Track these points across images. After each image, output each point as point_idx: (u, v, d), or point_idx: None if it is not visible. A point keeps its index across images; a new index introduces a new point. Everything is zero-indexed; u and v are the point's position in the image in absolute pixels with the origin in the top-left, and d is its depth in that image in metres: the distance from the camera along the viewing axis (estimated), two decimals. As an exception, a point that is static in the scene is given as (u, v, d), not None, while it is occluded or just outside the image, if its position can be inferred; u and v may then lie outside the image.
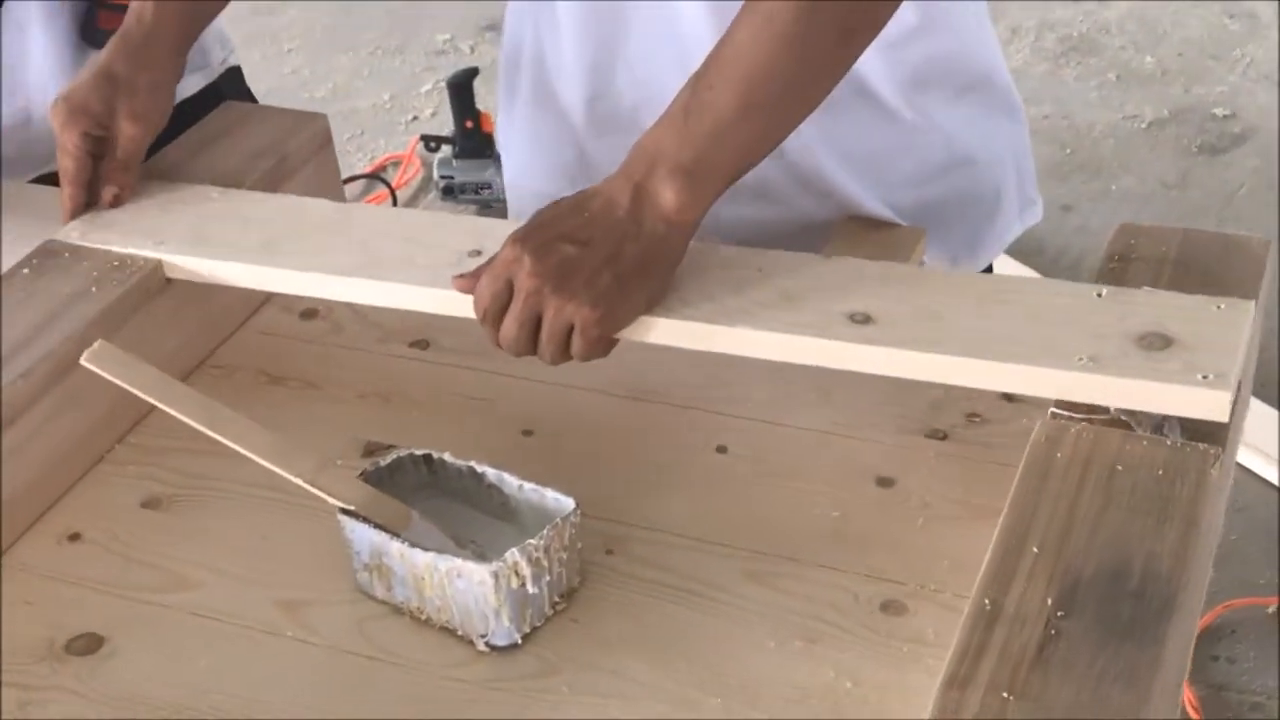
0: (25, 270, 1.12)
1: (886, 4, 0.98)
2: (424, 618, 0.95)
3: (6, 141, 1.41)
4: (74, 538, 1.04)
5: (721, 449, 1.07)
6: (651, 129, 0.98)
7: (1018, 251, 2.68)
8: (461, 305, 1.02)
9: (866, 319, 0.97)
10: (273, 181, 1.24)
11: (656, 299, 0.99)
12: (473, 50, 3.65)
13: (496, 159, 3.01)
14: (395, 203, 3.08)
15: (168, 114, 1.21)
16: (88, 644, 0.95)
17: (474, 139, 3.01)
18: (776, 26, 0.95)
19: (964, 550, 0.96)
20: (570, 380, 1.12)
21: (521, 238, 0.98)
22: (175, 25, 1.21)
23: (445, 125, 3.14)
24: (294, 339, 1.20)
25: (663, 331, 0.99)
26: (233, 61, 1.56)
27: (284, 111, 1.31)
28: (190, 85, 1.44)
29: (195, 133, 1.28)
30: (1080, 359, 0.92)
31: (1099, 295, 0.97)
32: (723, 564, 0.98)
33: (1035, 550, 0.84)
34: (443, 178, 3.04)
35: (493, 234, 1.08)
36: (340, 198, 1.32)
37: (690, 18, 1.17)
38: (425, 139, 3.18)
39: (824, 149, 1.22)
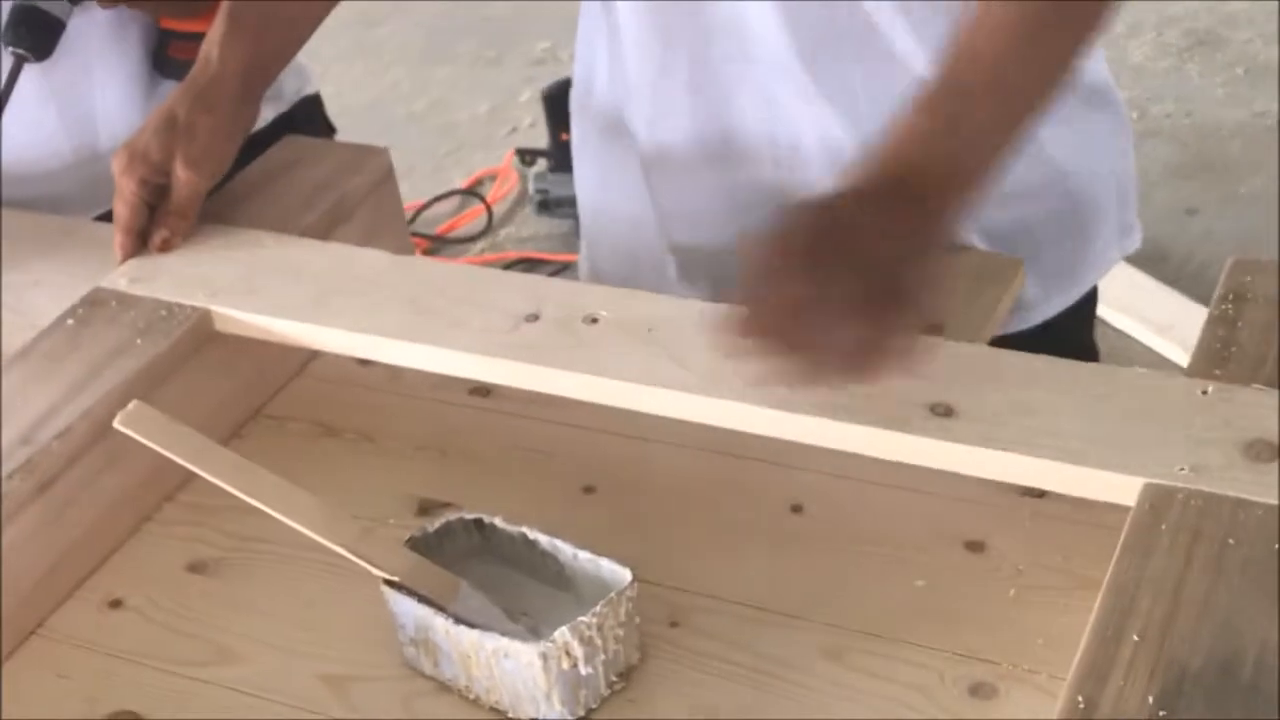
0: (70, 321, 1.08)
1: None
2: (473, 697, 0.89)
3: (72, 176, 1.38)
4: (115, 604, 0.99)
5: (797, 508, 1.00)
6: (901, 135, 0.90)
7: (1139, 259, 2.55)
8: (512, 375, 0.96)
9: (949, 411, 0.89)
10: (332, 220, 1.19)
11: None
12: (572, 58, 3.59)
13: (593, 172, 2.95)
14: (490, 219, 3.04)
15: (228, 160, 1.16)
16: (124, 722, 0.91)
17: (569, 152, 2.95)
18: (1023, 26, 0.89)
19: (1062, 625, 0.88)
20: (638, 432, 1.05)
21: (807, 251, 0.85)
22: (242, 69, 1.16)
23: (544, 137, 3.09)
24: (351, 385, 1.15)
25: (726, 415, 0.93)
26: (308, 91, 1.52)
27: (344, 146, 1.26)
28: (262, 116, 1.40)
29: (253, 169, 1.23)
30: (1181, 469, 0.83)
31: (1204, 393, 0.89)
32: (796, 639, 0.90)
33: (1136, 639, 0.76)
34: (538, 191, 2.98)
35: (551, 296, 1.02)
36: (403, 233, 1.26)
37: (762, 37, 1.10)
38: (520, 153, 3.13)
39: None
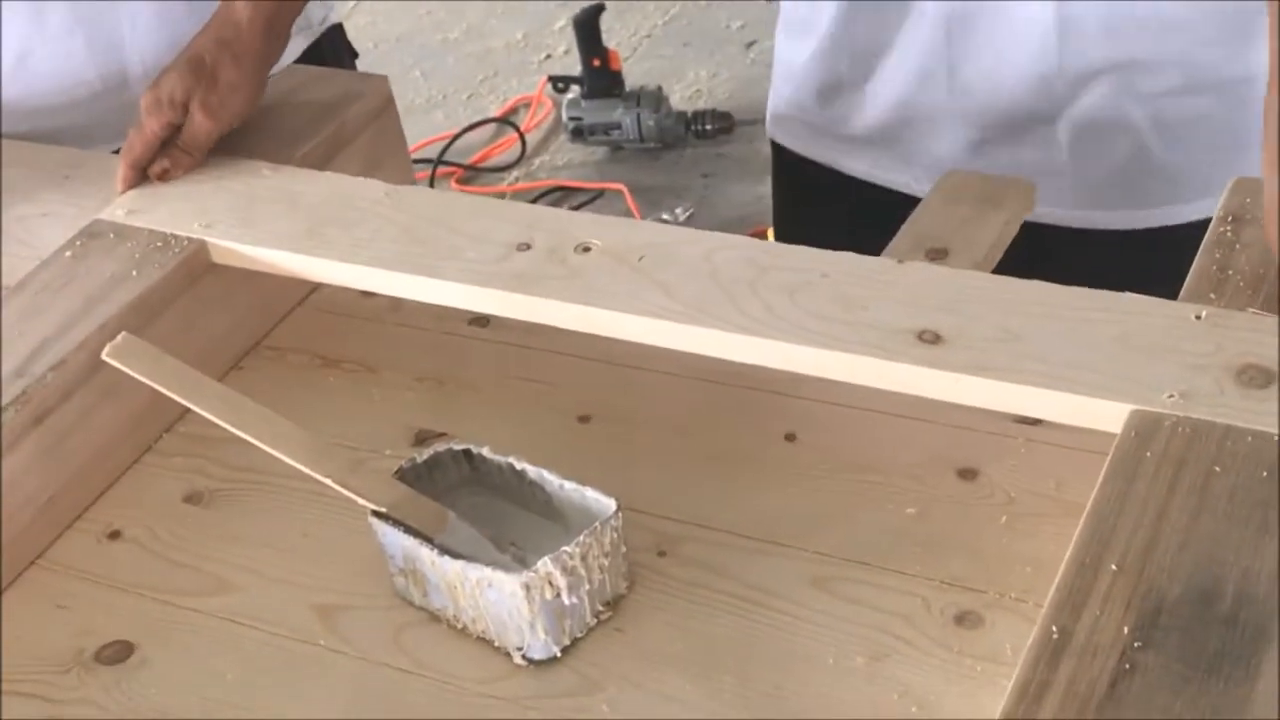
0: (68, 253, 1.09)
1: None
2: (460, 626, 0.89)
3: (100, 106, 1.37)
4: (114, 535, 1.00)
5: (790, 437, 0.99)
6: None
7: None
8: (502, 304, 0.96)
9: (936, 338, 0.88)
10: (331, 148, 1.18)
11: None
12: (606, -21, 3.56)
13: (625, 97, 2.93)
14: (524, 147, 3.02)
15: (252, 105, 1.16)
16: (117, 652, 0.91)
17: (602, 78, 2.93)
18: None
19: (1050, 553, 0.87)
20: (636, 361, 1.04)
21: None
22: (268, 10, 1.15)
23: (578, 64, 3.07)
24: (352, 317, 1.15)
25: (708, 343, 0.92)
26: (334, 19, 1.50)
27: (345, 74, 1.25)
28: (294, 48, 1.38)
29: (253, 99, 1.23)
30: (1170, 395, 0.82)
31: (1197, 318, 0.87)
32: (785, 568, 0.90)
33: (1114, 568, 0.74)
34: (571, 119, 2.97)
35: (542, 224, 1.01)
36: (404, 162, 1.26)
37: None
38: (553, 80, 3.11)
39: None
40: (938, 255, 1.12)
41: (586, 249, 1.00)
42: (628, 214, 2.83)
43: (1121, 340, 0.86)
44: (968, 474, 0.94)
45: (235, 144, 1.17)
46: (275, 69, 1.19)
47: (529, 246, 1.01)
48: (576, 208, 2.87)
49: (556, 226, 1.03)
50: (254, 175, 1.13)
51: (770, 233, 2.68)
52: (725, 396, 1.02)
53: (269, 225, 1.07)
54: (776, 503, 0.94)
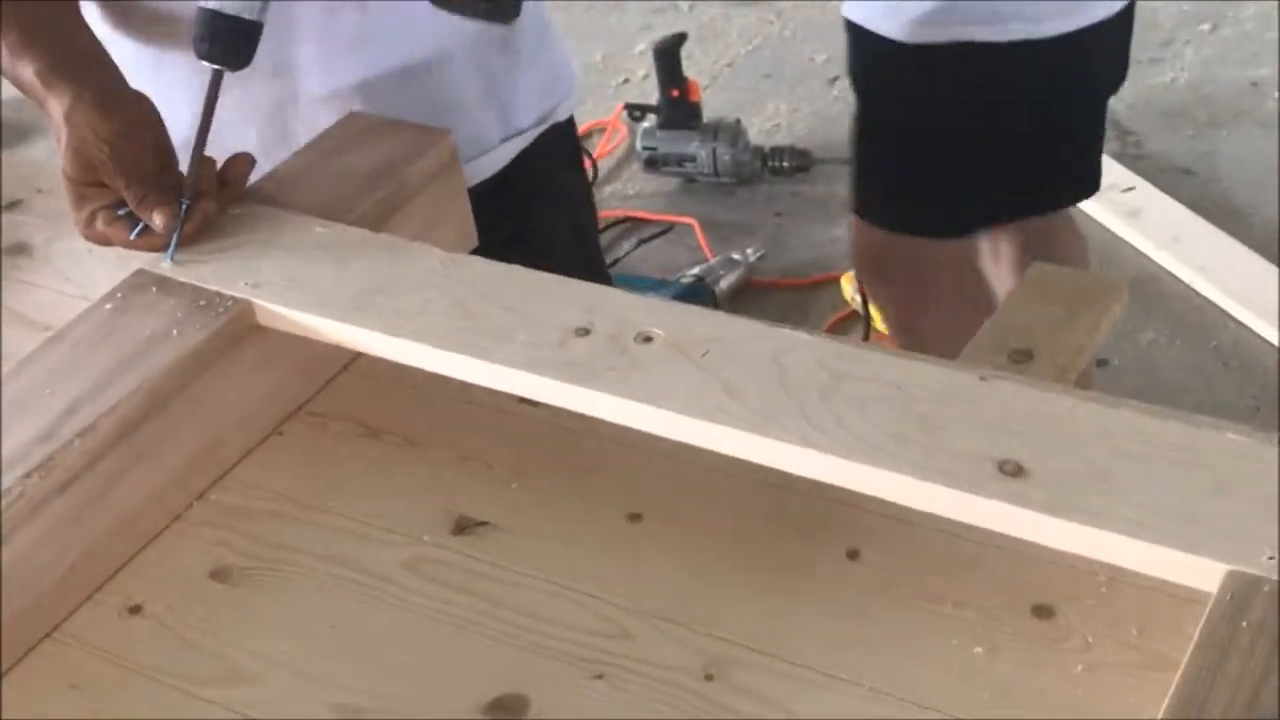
0: (108, 305, 1.04)
1: None
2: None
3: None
4: (134, 610, 0.95)
5: (853, 554, 0.93)
6: None
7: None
8: (555, 394, 0.91)
9: (1018, 470, 0.81)
10: (387, 208, 1.13)
11: None
12: (691, 9, 3.51)
13: (702, 130, 2.87)
14: (596, 173, 2.97)
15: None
16: (126, 744, 0.87)
17: (680, 109, 2.87)
18: None
19: (1130, 708, 0.81)
20: (693, 457, 0.98)
21: None
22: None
23: (656, 90, 3.01)
24: (397, 383, 1.09)
25: (774, 454, 0.86)
26: None
27: (407, 126, 1.19)
28: None
29: (310, 148, 1.18)
30: (1269, 556, 0.75)
31: None
32: (840, 705, 0.84)
33: (1204, 758, 0.68)
34: (645, 148, 2.91)
35: (603, 307, 0.95)
36: (465, 223, 1.20)
37: None
38: (629, 108, 3.06)
39: None
40: (1021, 357, 1.06)
41: (648, 339, 0.95)
42: (697, 250, 2.77)
43: (1220, 488, 0.79)
44: (1043, 612, 0.87)
45: (286, 197, 1.12)
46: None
47: (587, 332, 0.96)
48: (646, 240, 2.81)
49: (618, 311, 0.97)
50: (306, 232, 1.08)
51: (844, 279, 2.62)
52: (785, 503, 0.96)
53: (317, 289, 1.02)
54: (834, 628, 0.88)
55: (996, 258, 1.80)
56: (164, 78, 1.22)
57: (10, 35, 1.12)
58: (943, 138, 1.67)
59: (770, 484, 0.97)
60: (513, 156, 1.36)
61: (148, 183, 1.06)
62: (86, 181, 1.07)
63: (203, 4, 1.04)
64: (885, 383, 0.88)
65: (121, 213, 1.08)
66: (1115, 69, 1.73)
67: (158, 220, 1.06)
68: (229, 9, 1.05)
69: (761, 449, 0.87)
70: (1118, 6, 1.61)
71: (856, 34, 1.65)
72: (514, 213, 1.35)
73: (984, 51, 1.59)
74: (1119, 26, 1.65)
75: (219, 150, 1.10)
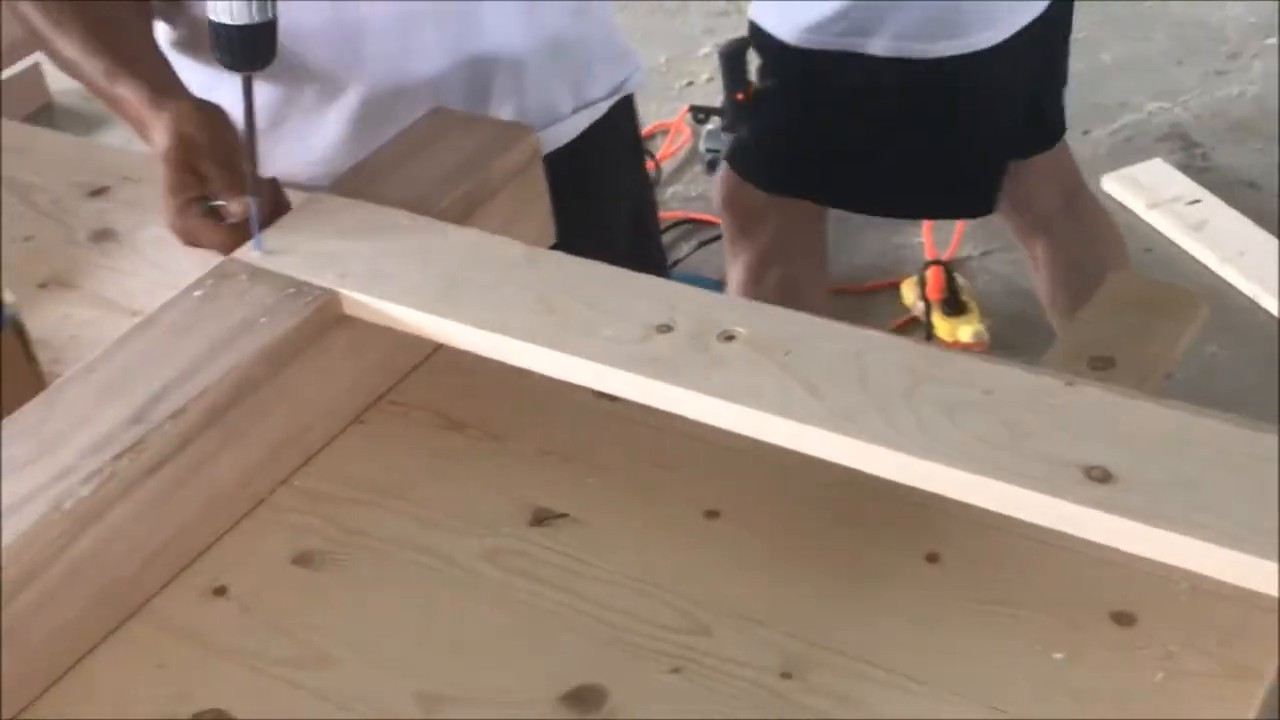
0: (198, 292, 1.06)
1: None
2: (569, 735, 0.84)
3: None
4: (219, 591, 0.97)
5: (932, 557, 0.93)
6: None
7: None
8: (637, 389, 0.91)
9: (1106, 476, 0.81)
10: (472, 202, 1.14)
11: None
12: (756, 12, 3.51)
13: (766, 134, 2.87)
14: (659, 175, 2.97)
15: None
16: (211, 722, 0.88)
17: (744, 112, 2.87)
18: None
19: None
20: (772, 455, 0.98)
21: None
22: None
23: (721, 93, 3.01)
24: (478, 375, 1.10)
25: (856, 455, 0.87)
26: None
27: (492, 123, 1.21)
28: None
29: (396, 142, 1.19)
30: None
31: None
32: (920, 708, 0.84)
33: (1293, 767, 0.68)
34: (709, 151, 2.92)
35: (685, 304, 0.96)
36: (545, 218, 1.21)
37: None
38: (694, 110, 3.06)
39: None
40: (1102, 364, 1.06)
41: (730, 337, 0.95)
42: (758, 252, 2.77)
43: (1314, 498, 0.79)
44: (1124, 619, 0.87)
45: (373, 191, 1.14)
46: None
47: (670, 328, 0.96)
48: (706, 242, 2.82)
49: (700, 309, 0.98)
50: (392, 225, 1.09)
51: (904, 285, 2.63)
52: (864, 504, 0.96)
53: (403, 280, 1.04)
54: (913, 631, 0.88)
55: None
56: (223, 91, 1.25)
57: (76, 31, 1.16)
58: (827, 135, 1.82)
59: (848, 484, 0.97)
60: (583, 129, 1.38)
61: (239, 171, 1.08)
62: (186, 166, 1.09)
63: (211, 18, 1.03)
64: (969, 386, 0.88)
65: (213, 204, 1.10)
66: (1007, 97, 1.83)
67: (245, 208, 1.07)
68: (238, 19, 1.02)
69: (843, 448, 0.87)
70: (998, 37, 1.73)
71: (755, 32, 1.90)
72: (581, 190, 1.37)
73: (869, 63, 1.71)
74: (1006, 54, 1.76)
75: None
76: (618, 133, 1.46)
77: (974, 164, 1.88)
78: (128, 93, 1.14)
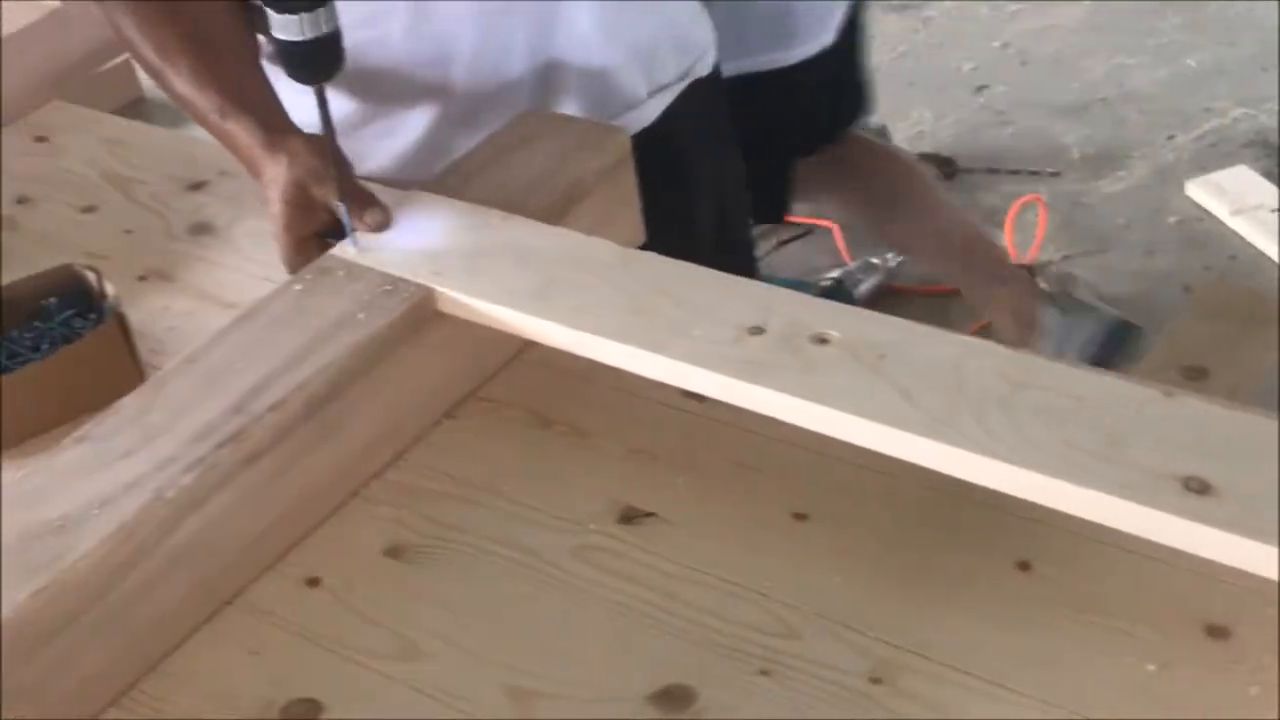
0: (297, 286, 1.07)
1: None
2: None
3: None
4: (313, 583, 0.98)
5: (1024, 565, 0.93)
6: None
7: None
8: (728, 391, 0.92)
9: (1204, 488, 0.81)
10: (565, 202, 1.15)
11: None
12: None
13: (846, 135, 2.86)
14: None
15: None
16: (305, 710, 0.90)
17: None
18: None
19: (1306, 736, 0.80)
20: (860, 457, 0.98)
21: None
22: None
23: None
24: (570, 374, 1.11)
25: (951, 461, 0.87)
26: None
27: (584, 124, 1.21)
28: None
29: (490, 143, 1.21)
30: None
31: None
32: (1007, 714, 0.84)
33: (1394, 787, 0.67)
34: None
35: (778, 306, 0.97)
36: (635, 219, 1.22)
37: None
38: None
39: None
40: (1195, 374, 1.05)
41: (823, 340, 0.95)
42: (836, 253, 2.76)
43: None
44: (1217, 632, 0.87)
45: (467, 190, 1.15)
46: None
47: (762, 330, 0.97)
48: (785, 242, 2.81)
49: (793, 311, 0.98)
50: (485, 224, 1.10)
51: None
52: (955, 511, 0.96)
53: (497, 279, 1.05)
54: (1003, 639, 0.88)
55: None
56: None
57: (184, 63, 1.17)
58: None
59: (939, 490, 0.97)
60: (660, 112, 1.38)
61: (359, 198, 1.11)
62: (303, 204, 1.11)
63: (276, 35, 1.04)
64: (1066, 394, 0.88)
65: (331, 239, 1.11)
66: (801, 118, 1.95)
67: (375, 218, 1.10)
68: (305, 33, 1.03)
69: (937, 454, 0.88)
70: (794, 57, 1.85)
71: None
72: (662, 177, 1.37)
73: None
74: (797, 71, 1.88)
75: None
76: (696, 119, 1.46)
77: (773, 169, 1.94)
78: (239, 131, 1.15)
